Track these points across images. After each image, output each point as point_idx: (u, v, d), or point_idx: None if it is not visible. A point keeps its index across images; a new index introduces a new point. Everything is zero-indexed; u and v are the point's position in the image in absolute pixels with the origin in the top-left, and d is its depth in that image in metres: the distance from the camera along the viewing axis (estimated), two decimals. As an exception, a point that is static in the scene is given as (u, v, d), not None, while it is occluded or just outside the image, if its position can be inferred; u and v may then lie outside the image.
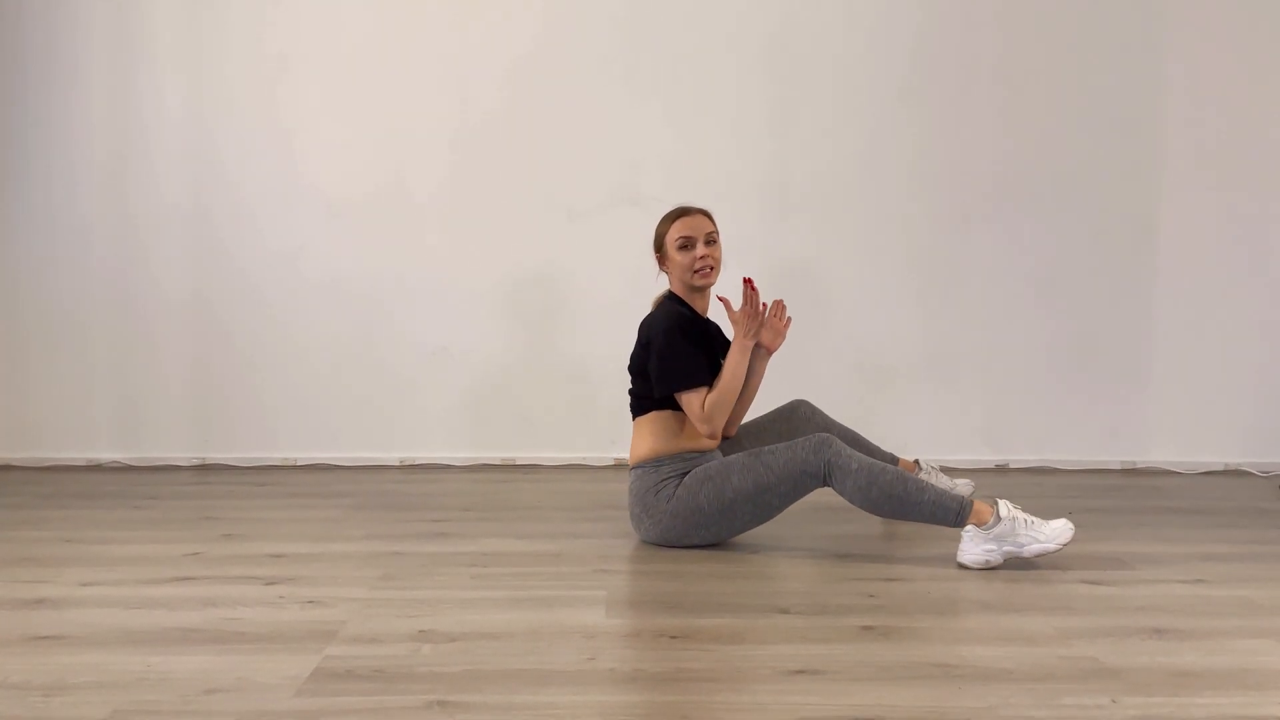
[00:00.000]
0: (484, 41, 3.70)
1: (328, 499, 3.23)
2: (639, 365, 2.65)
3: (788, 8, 3.67)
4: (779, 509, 2.55)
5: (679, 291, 2.73)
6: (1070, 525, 2.42)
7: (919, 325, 3.74)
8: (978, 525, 2.42)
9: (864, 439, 2.89)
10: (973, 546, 2.42)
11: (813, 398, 3.04)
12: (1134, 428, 3.74)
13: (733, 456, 2.58)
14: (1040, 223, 3.71)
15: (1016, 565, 2.44)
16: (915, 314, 3.74)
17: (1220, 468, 3.72)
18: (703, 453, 2.65)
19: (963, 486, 2.94)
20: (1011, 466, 3.75)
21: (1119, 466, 3.74)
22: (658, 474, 2.61)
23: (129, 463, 3.77)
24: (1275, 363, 3.70)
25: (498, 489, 3.40)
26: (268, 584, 2.30)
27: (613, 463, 3.79)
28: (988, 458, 3.75)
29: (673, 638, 1.95)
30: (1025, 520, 2.42)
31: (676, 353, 2.55)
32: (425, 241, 3.74)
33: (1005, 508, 2.43)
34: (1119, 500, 3.24)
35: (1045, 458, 3.74)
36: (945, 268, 3.72)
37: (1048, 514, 2.92)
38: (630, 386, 2.69)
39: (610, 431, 3.76)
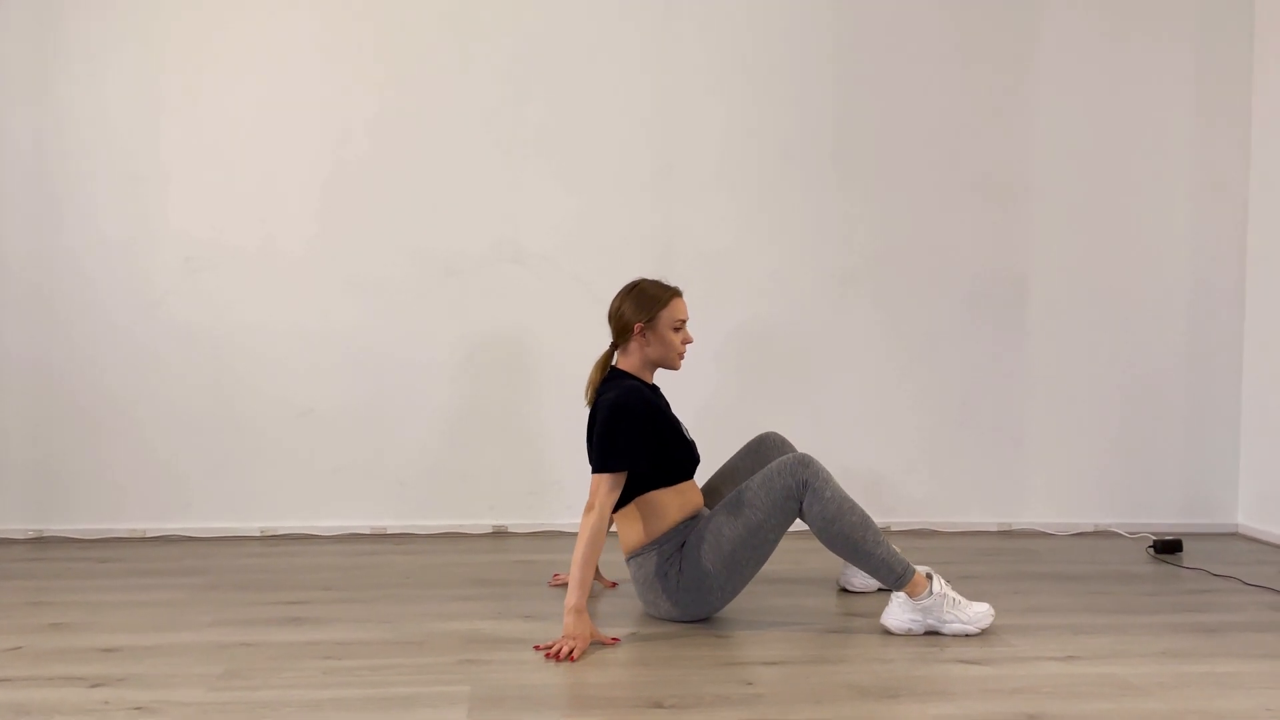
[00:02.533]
0: (361, 90, 3.56)
1: (175, 577, 2.99)
2: None
3: (671, 71, 3.65)
4: (776, 540, 2.51)
5: (637, 368, 2.65)
6: (991, 611, 2.51)
7: (800, 390, 3.73)
8: (909, 595, 2.45)
9: None
10: (900, 613, 2.48)
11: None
12: (1009, 489, 3.79)
13: (717, 508, 2.54)
14: (917, 288, 3.75)
15: (904, 640, 2.41)
16: (796, 378, 3.73)
17: (1090, 528, 3.79)
18: (694, 517, 2.59)
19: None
20: (894, 529, 3.75)
21: (995, 528, 3.78)
22: (659, 554, 2.54)
23: (-45, 536, 3.44)
24: (1138, 425, 3.81)
25: (365, 562, 3.22)
26: (92, 686, 2.09)
27: (490, 530, 3.64)
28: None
29: (537, 742, 1.83)
30: (953, 599, 2.48)
31: (615, 432, 2.46)
32: (292, 297, 3.55)
33: (939, 584, 2.49)
34: (994, 565, 3.26)
35: (926, 520, 3.76)
36: (825, 332, 3.73)
37: None
38: None
39: (489, 497, 3.62)
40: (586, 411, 2.64)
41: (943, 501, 3.77)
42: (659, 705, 2.01)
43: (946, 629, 2.46)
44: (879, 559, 2.44)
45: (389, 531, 3.60)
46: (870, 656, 2.32)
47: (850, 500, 2.45)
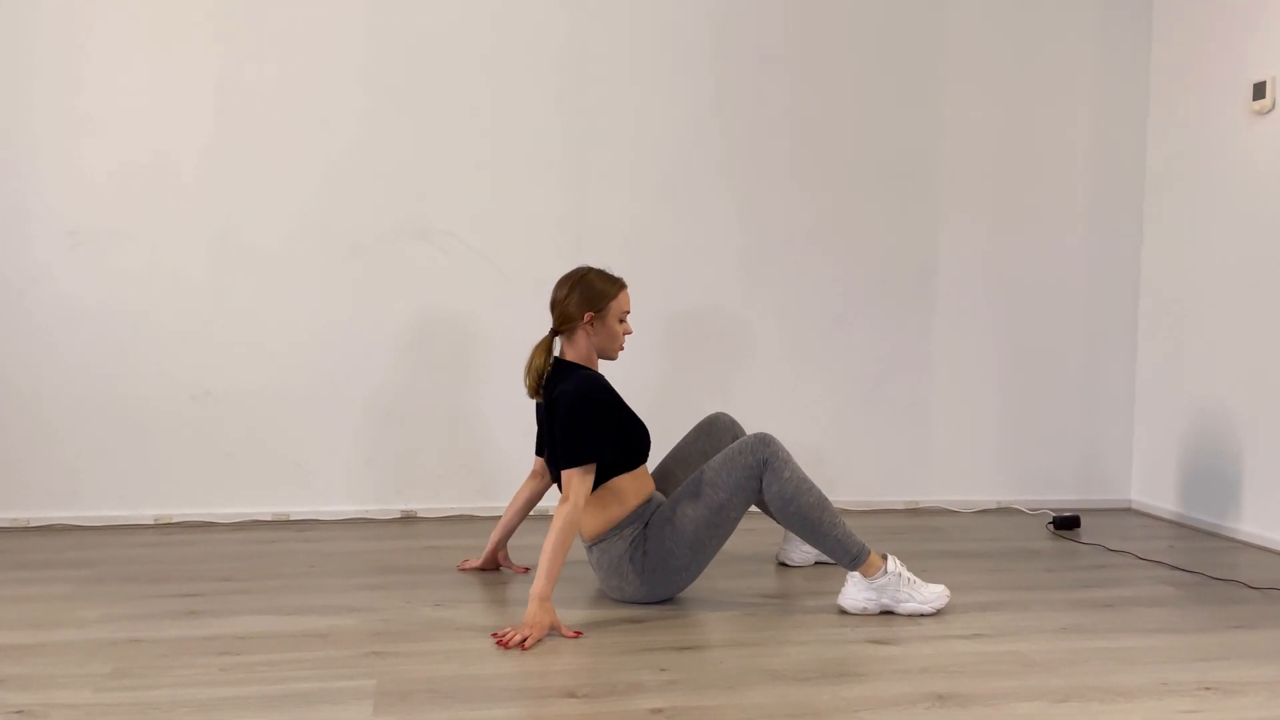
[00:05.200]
0: (258, 56, 3.39)
1: (60, 569, 2.83)
2: None
3: (585, 49, 3.58)
4: (738, 519, 2.55)
5: (585, 357, 2.61)
6: (947, 592, 2.55)
7: (710, 365, 3.72)
8: (864, 575, 2.49)
9: None
10: (855, 593, 2.52)
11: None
12: (916, 468, 3.86)
13: (678, 490, 2.55)
14: (829, 266, 3.77)
15: (817, 622, 2.42)
16: (708, 354, 3.72)
17: (993, 505, 3.89)
18: (649, 500, 2.58)
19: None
20: (803, 509, 3.78)
21: (903, 506, 3.85)
22: (622, 539, 2.53)
23: None
24: (1038, 404, 3.91)
25: (266, 550, 3.10)
26: (-33, 690, 1.95)
27: (399, 515, 3.55)
28: (781, 500, 3.76)
29: (445, 738, 1.77)
30: (909, 579, 2.53)
31: (584, 423, 2.45)
32: (184, 274, 3.39)
33: (894, 563, 2.52)
34: (903, 543, 3.31)
35: (836, 498, 3.78)
36: (737, 310, 3.72)
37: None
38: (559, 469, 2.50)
39: (396, 481, 3.53)
40: (520, 398, 2.59)
41: (852, 481, 3.82)
42: (572, 695, 1.98)
43: (901, 608, 2.50)
44: (834, 539, 2.47)
45: (292, 518, 3.48)
46: (784, 639, 2.33)
47: (808, 480, 2.50)
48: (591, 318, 2.57)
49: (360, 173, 3.47)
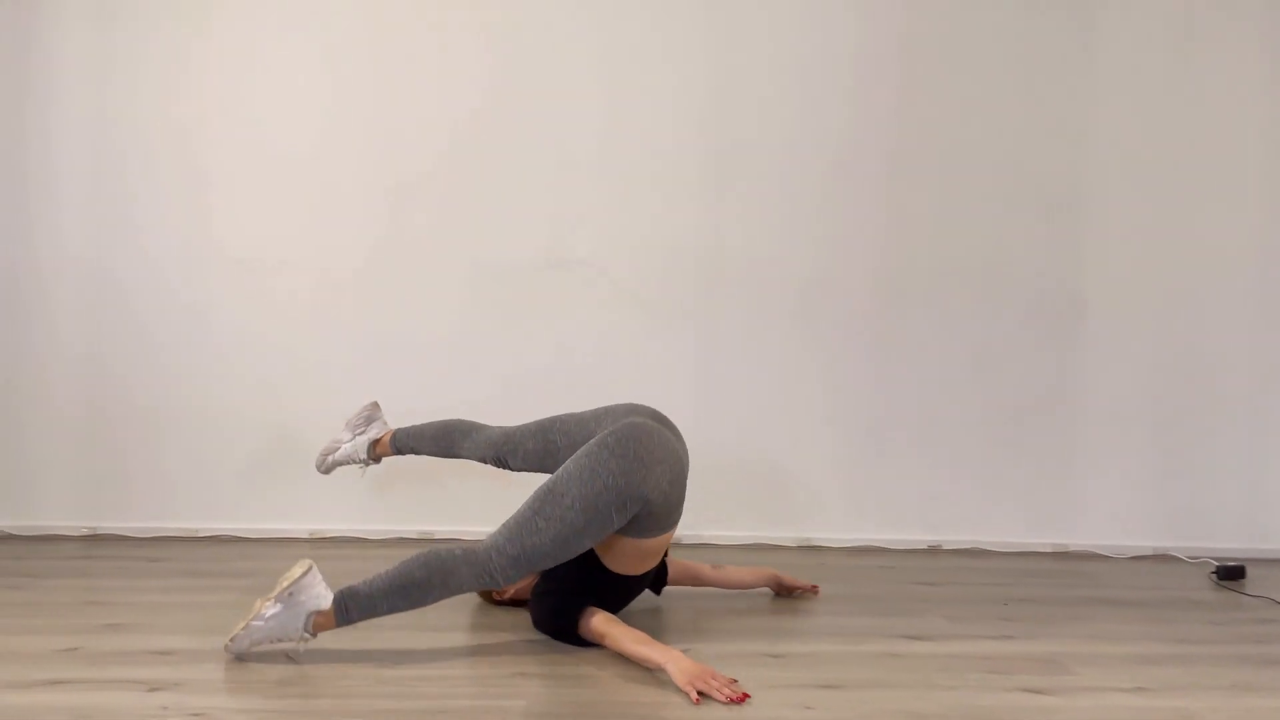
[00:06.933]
0: (412, 102, 3.56)
1: (226, 579, 3.00)
2: None
3: (726, 78, 3.62)
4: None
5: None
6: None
7: (852, 401, 3.67)
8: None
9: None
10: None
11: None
12: (1064, 510, 3.71)
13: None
14: (973, 300, 3.68)
15: (963, 666, 2.35)
16: (848, 389, 3.67)
17: (1149, 552, 3.70)
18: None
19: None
20: (944, 548, 3.68)
21: (1050, 550, 3.70)
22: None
23: (11, 531, 3.48)
24: (1200, 445, 3.71)
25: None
26: (150, 690, 2.09)
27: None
28: (921, 538, 3.68)
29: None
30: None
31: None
32: (342, 302, 3.56)
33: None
34: (1052, 588, 3.18)
35: (977, 539, 3.69)
36: (879, 344, 3.67)
37: (987, 602, 2.95)
38: None
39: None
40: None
41: (995, 521, 3.70)
42: (717, 727, 1.98)
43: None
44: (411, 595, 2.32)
45: (435, 536, 3.59)
46: (930, 683, 2.27)
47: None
48: None
49: (503, 203, 3.58)
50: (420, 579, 2.29)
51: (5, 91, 3.46)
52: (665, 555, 2.79)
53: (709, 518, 3.60)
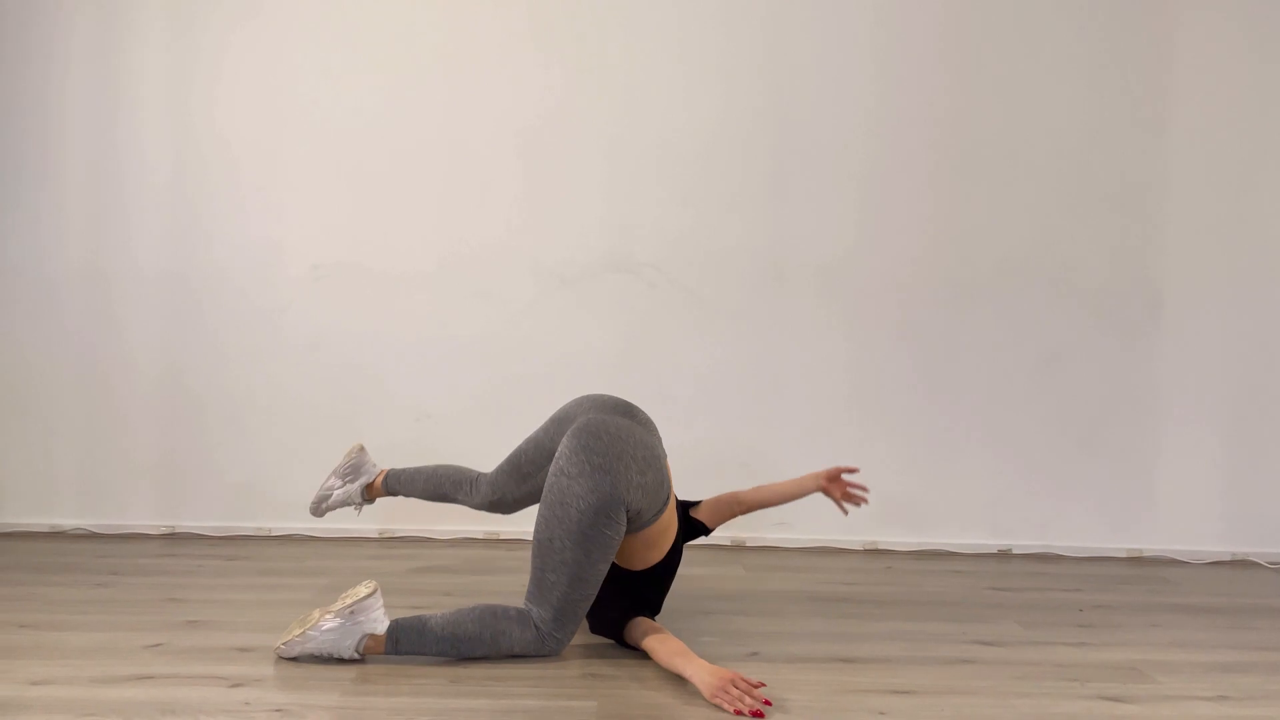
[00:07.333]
0: (477, 109, 3.60)
1: (300, 577, 3.07)
2: None
3: (786, 81, 3.60)
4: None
5: None
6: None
7: (918, 404, 3.63)
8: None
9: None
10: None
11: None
12: (1139, 513, 3.63)
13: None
14: (1041, 301, 3.62)
15: (1039, 674, 2.32)
16: (916, 393, 3.63)
17: (1228, 558, 3.60)
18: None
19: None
20: (1014, 552, 3.62)
21: (1124, 554, 3.62)
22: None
23: (93, 529, 3.59)
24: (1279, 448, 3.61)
25: (483, 564, 3.24)
26: (233, 686, 2.14)
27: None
28: (990, 542, 3.62)
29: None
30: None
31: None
32: (410, 305, 3.62)
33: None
34: (1127, 594, 3.12)
35: (1049, 543, 3.62)
36: (944, 346, 3.62)
37: (1061, 608, 2.91)
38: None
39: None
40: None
41: (1067, 524, 3.63)
42: (790, 731, 1.97)
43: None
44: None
45: (501, 537, 3.63)
46: (1005, 690, 2.24)
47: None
48: None
49: (565, 207, 3.61)
50: (472, 633, 2.30)
51: (85, 100, 3.57)
52: (689, 510, 2.74)
53: (773, 521, 3.59)
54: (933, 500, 3.63)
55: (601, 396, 2.58)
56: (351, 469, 3.06)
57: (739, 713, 2.04)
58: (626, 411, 2.53)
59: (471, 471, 2.91)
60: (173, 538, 3.56)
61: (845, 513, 2.78)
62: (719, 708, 2.07)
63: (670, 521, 2.47)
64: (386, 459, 3.63)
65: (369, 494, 3.04)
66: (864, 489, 2.73)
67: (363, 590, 2.32)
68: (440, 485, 2.91)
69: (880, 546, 3.62)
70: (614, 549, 2.29)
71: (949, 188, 3.62)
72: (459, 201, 3.61)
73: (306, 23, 3.58)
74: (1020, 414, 3.63)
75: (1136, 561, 3.57)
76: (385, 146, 3.61)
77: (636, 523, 2.36)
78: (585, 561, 2.26)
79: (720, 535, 3.59)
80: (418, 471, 2.98)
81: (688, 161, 3.61)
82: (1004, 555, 3.60)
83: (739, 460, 3.59)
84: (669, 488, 2.43)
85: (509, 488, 2.72)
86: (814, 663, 2.38)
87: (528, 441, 2.69)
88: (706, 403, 3.60)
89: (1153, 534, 3.63)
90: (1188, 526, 3.63)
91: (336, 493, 3.04)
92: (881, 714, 2.08)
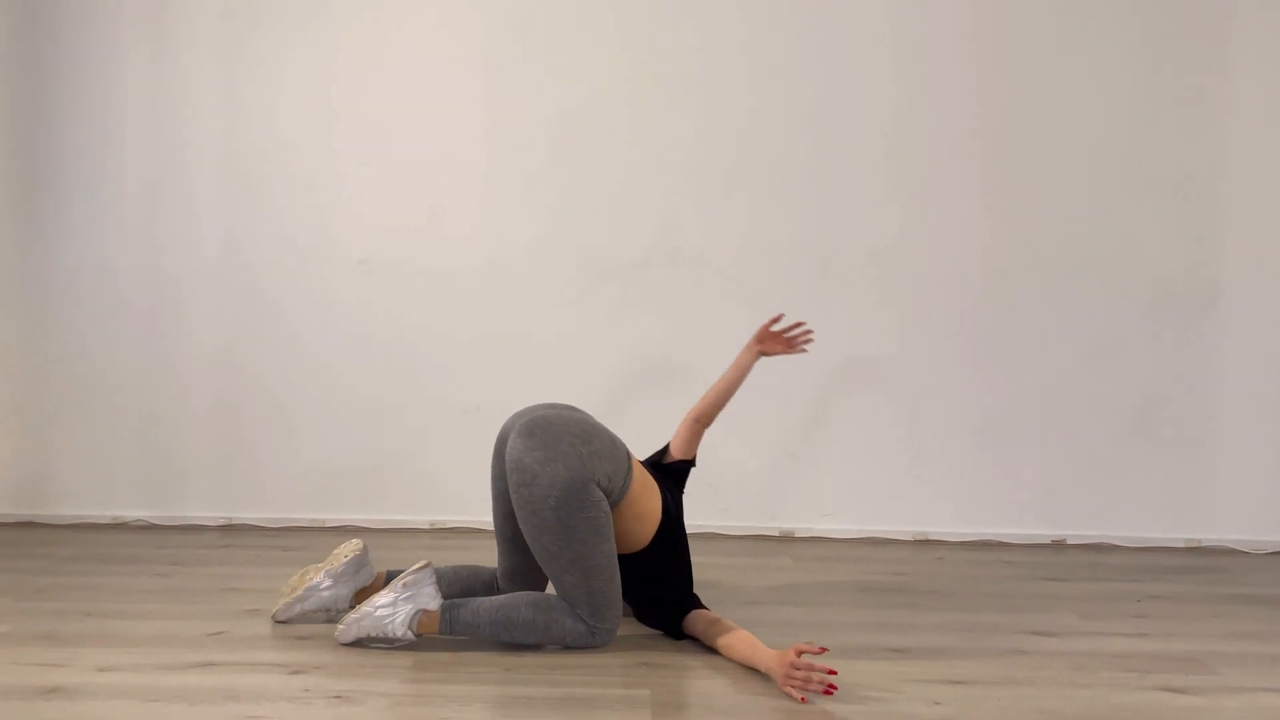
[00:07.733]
0: (522, 96, 3.62)
1: (356, 568, 3.11)
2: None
3: (830, 69, 3.57)
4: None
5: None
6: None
7: (970, 394, 3.59)
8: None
9: None
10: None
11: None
12: (1197, 503, 3.56)
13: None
14: (1096, 288, 3.56)
15: (1097, 664, 2.29)
16: (966, 383, 3.59)
17: (1290, 547, 3.53)
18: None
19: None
20: (1069, 543, 3.57)
21: (1182, 544, 3.55)
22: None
23: (154, 521, 3.67)
24: (1347, 437, 3.52)
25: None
26: (292, 673, 2.19)
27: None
28: (1043, 532, 3.58)
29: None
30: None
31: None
32: (460, 297, 3.65)
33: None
34: (1186, 584, 3.06)
35: (1104, 534, 3.57)
36: (995, 335, 3.58)
37: (1118, 598, 2.89)
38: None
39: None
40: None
41: (1122, 515, 3.57)
42: (845, 721, 1.97)
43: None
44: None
45: (551, 529, 3.65)
46: (1064, 680, 2.21)
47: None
48: None
49: (611, 199, 3.62)
50: (526, 619, 2.32)
51: (141, 97, 3.64)
52: (663, 460, 2.73)
53: (822, 512, 3.58)
54: (984, 490, 3.59)
55: (528, 408, 2.52)
56: (352, 567, 2.56)
57: (805, 700, 2.04)
58: (540, 406, 2.51)
59: (468, 565, 2.71)
60: (230, 529, 3.63)
61: (799, 353, 2.90)
62: (789, 696, 2.07)
63: (646, 480, 2.46)
64: (442, 451, 3.66)
65: (356, 601, 2.56)
66: (801, 325, 2.86)
67: (415, 566, 2.36)
68: (466, 583, 2.63)
69: (930, 537, 3.59)
70: (607, 526, 2.29)
71: (999, 176, 3.57)
72: (505, 194, 3.63)
73: (358, 18, 3.62)
74: (1074, 403, 3.57)
75: (1195, 551, 3.51)
76: (433, 140, 3.63)
77: (614, 492, 2.34)
78: (586, 550, 2.27)
79: (768, 526, 3.59)
80: (441, 576, 2.63)
81: (732, 151, 3.60)
82: (1058, 546, 3.55)
83: (789, 452, 3.58)
84: (624, 446, 2.42)
85: (513, 556, 2.55)
86: (866, 653, 2.37)
87: (492, 499, 2.55)
88: (754, 394, 3.57)
89: (1211, 524, 3.56)
90: (1247, 516, 3.55)
91: (324, 594, 2.52)
92: (937, 703, 2.06)
